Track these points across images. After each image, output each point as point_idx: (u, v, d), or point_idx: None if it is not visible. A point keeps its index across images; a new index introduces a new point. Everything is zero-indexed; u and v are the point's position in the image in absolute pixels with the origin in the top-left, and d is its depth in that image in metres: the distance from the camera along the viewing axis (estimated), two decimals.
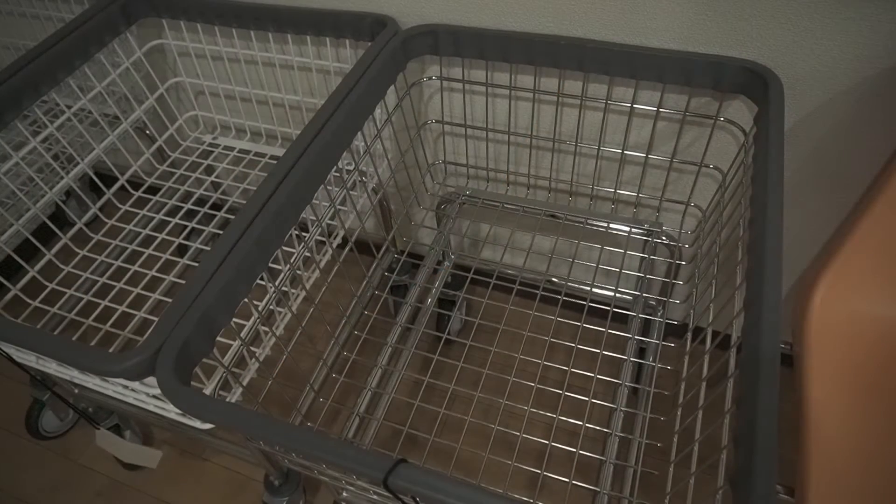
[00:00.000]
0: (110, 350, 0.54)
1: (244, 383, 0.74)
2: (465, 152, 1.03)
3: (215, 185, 1.10)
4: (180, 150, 1.14)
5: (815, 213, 0.88)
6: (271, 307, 0.78)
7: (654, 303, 0.96)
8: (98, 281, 0.94)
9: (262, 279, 0.65)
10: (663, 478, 0.70)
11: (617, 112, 0.87)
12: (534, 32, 0.82)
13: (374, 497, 0.75)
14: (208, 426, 0.84)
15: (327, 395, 0.86)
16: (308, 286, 0.80)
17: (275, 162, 0.89)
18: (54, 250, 0.94)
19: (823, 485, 0.57)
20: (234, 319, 0.61)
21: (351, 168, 0.95)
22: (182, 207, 1.04)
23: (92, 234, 1.01)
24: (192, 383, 0.57)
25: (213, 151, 1.12)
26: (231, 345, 0.76)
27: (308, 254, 0.79)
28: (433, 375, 0.86)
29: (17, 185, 1.08)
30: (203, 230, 0.99)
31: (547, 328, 0.90)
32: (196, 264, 0.72)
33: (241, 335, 0.70)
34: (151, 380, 0.60)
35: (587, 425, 0.78)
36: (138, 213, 1.02)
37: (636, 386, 0.84)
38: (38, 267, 0.91)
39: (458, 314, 1.23)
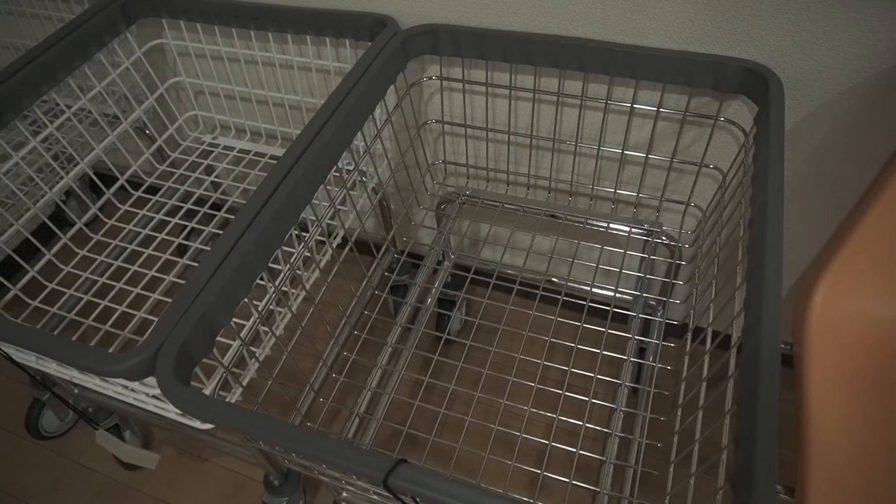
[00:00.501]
0: (110, 350, 0.54)
1: (244, 383, 0.74)
2: (465, 152, 1.03)
3: (215, 185, 1.10)
4: (180, 150, 1.13)
5: (815, 213, 0.88)
6: (271, 307, 0.78)
7: (654, 303, 0.96)
8: (98, 281, 0.94)
9: (261, 279, 0.65)
10: (663, 478, 0.70)
11: (617, 112, 0.87)
12: (534, 32, 0.82)
13: (374, 497, 0.75)
14: (208, 426, 0.84)
15: (327, 395, 0.86)
16: (308, 286, 0.80)
17: (275, 162, 0.89)
18: (54, 250, 0.93)
19: (823, 485, 0.57)
20: (234, 319, 0.61)
21: (351, 168, 0.95)
22: (182, 207, 1.04)
23: (92, 234, 1.01)
24: (192, 383, 0.57)
25: (212, 151, 1.12)
26: (231, 345, 0.76)
27: (308, 254, 0.79)
28: (433, 375, 0.86)
29: (17, 184, 1.08)
30: (203, 230, 0.99)
31: (547, 328, 0.90)
32: (196, 264, 0.72)
33: (241, 335, 0.70)
34: (151, 380, 0.60)
35: (587, 425, 0.78)
36: (138, 213, 1.02)
37: (636, 386, 0.84)
38: (37, 267, 0.91)
39: (458, 314, 1.23)
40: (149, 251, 0.95)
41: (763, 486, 0.42)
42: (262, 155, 1.12)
